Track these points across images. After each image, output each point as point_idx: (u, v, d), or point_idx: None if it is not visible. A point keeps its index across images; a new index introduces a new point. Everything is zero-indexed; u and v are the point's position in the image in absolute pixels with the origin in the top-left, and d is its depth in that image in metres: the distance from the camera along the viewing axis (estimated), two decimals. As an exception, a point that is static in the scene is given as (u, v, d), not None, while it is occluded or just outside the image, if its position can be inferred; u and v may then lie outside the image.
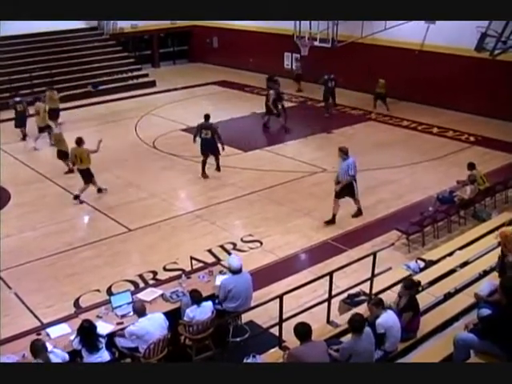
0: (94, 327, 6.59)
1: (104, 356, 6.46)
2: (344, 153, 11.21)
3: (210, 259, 9.88)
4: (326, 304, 7.78)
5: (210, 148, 13.67)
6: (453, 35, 17.17)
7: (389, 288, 8.03)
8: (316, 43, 18.28)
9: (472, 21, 10.65)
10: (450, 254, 9.15)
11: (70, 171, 13.91)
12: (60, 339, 6.84)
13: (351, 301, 8.12)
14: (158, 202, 12.72)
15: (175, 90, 23.15)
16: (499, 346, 5.70)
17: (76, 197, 12.64)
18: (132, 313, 7.19)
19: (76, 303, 8.94)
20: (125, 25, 25.43)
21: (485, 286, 7.18)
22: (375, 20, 16.22)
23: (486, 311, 6.26)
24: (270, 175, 14.00)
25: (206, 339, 7.36)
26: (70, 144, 13.24)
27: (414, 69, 19.17)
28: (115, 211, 12.18)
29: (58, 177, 14.07)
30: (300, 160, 15.01)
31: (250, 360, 6.49)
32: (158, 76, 24.63)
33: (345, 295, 8.23)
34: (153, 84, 23.73)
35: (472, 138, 16.53)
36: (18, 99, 17.13)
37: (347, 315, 6.84)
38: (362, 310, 7.27)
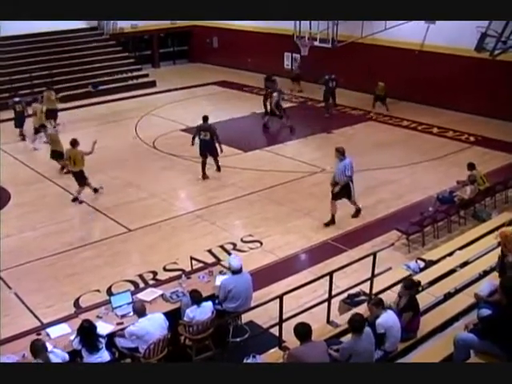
0: (94, 327, 6.59)
1: (104, 356, 6.46)
2: (341, 153, 11.14)
3: (210, 259, 9.88)
4: (325, 304, 7.78)
5: (208, 149, 13.70)
6: (453, 35, 17.16)
7: (389, 288, 8.03)
8: (316, 43, 18.25)
9: (472, 21, 10.66)
10: (450, 254, 9.14)
11: (68, 171, 13.87)
12: (60, 339, 6.85)
13: (351, 301, 8.12)
14: (158, 202, 12.72)
15: (175, 90, 23.12)
16: (499, 346, 5.70)
17: (74, 199, 12.66)
18: (132, 313, 7.19)
19: (76, 303, 8.94)
20: (125, 25, 25.42)
21: (485, 286, 7.18)
22: (375, 20, 16.21)
23: (486, 311, 6.25)
24: (269, 175, 14.00)
25: (206, 339, 7.36)
26: (67, 145, 13.19)
27: (414, 69, 19.16)
28: (115, 211, 12.18)
29: (58, 177, 14.08)
30: (300, 160, 15.01)
31: (250, 360, 6.49)
32: (158, 76, 24.61)
33: (345, 295, 8.22)
34: (153, 84, 23.72)
35: (472, 138, 16.52)
36: (17, 99, 17.13)
37: (347, 315, 6.84)
38: (362, 310, 7.27)
